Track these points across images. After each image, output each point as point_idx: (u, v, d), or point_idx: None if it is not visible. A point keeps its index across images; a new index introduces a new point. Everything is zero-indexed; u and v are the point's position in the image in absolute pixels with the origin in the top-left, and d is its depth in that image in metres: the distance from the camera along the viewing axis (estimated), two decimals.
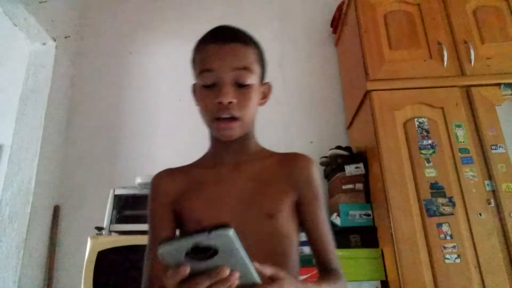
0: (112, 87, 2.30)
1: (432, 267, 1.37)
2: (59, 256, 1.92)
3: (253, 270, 0.47)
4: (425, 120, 1.60)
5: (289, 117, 2.16)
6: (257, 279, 0.47)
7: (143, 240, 1.50)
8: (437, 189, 1.47)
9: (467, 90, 1.64)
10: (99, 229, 1.60)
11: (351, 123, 2.01)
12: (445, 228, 1.41)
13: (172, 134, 2.15)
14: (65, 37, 2.28)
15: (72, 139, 2.19)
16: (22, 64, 2.16)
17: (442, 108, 1.61)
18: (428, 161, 1.52)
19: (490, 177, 1.49)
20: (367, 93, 1.68)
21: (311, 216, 0.77)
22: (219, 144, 0.80)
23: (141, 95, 2.27)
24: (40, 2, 2.05)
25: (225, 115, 0.70)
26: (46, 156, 1.99)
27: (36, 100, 2.06)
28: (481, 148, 1.54)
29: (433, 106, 1.62)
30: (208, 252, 0.42)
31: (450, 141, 1.55)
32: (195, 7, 2.47)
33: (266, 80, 0.81)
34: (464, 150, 1.53)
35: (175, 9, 2.49)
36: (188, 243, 0.41)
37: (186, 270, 0.42)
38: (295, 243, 0.74)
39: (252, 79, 0.72)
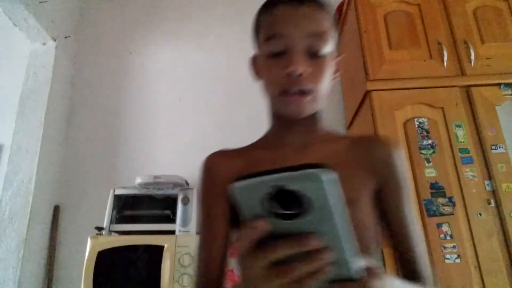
0: (112, 87, 2.30)
1: (432, 267, 1.36)
2: (59, 256, 1.92)
3: (353, 256, 0.34)
4: (425, 120, 1.60)
5: None
6: (354, 271, 0.34)
7: (143, 240, 1.51)
8: (437, 189, 1.47)
9: (467, 90, 1.64)
10: (99, 229, 1.60)
11: (351, 123, 2.01)
12: (445, 228, 1.41)
13: (172, 134, 2.15)
14: (65, 37, 2.28)
15: (72, 139, 2.19)
16: (22, 64, 2.16)
17: (442, 108, 1.61)
18: (428, 161, 1.52)
19: (490, 177, 1.49)
20: (367, 93, 1.68)
21: (394, 210, 0.65)
22: (282, 123, 0.69)
23: (141, 95, 2.27)
24: (40, 2, 2.05)
25: (295, 89, 0.60)
26: (46, 156, 1.99)
27: (36, 100, 2.06)
28: (481, 148, 1.54)
29: (433, 106, 1.62)
30: (294, 204, 0.32)
31: (450, 141, 1.55)
32: (195, 7, 2.47)
33: None
34: (464, 150, 1.53)
35: (175, 9, 2.49)
36: (269, 182, 0.31)
37: (264, 227, 0.33)
38: (376, 240, 0.63)
39: (328, 48, 0.62)
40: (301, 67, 0.58)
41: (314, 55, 0.61)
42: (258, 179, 0.31)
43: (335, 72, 0.69)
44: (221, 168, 0.68)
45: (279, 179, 0.31)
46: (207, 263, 0.63)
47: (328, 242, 0.33)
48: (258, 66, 0.70)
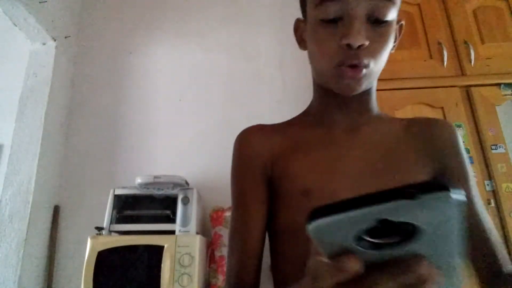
0: (112, 87, 2.30)
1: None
2: (59, 256, 1.92)
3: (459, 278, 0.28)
4: None
5: (289, 117, 2.15)
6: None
7: (143, 240, 1.51)
8: None
9: (467, 90, 1.64)
10: (99, 229, 1.60)
11: None
12: None
13: (172, 134, 2.15)
14: (65, 37, 2.28)
15: (72, 139, 2.19)
16: (22, 64, 2.16)
17: (442, 108, 1.61)
18: None
19: (490, 177, 1.49)
20: None
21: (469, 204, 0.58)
22: (331, 99, 0.62)
23: (141, 95, 2.27)
24: (40, 2, 2.05)
25: (352, 62, 0.52)
26: (46, 156, 1.99)
27: (36, 100, 2.06)
28: (481, 148, 1.54)
29: (433, 106, 1.62)
30: (397, 234, 0.24)
31: None
32: (195, 7, 2.47)
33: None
34: None
35: (175, 9, 2.49)
36: (367, 215, 0.23)
37: (356, 267, 0.25)
38: None
39: (393, 14, 0.53)
40: (362, 37, 0.50)
41: (376, 22, 0.52)
42: (347, 214, 0.23)
43: (395, 41, 0.61)
44: (257, 145, 0.61)
45: (382, 211, 0.22)
46: (246, 245, 0.57)
47: (437, 265, 0.25)
48: (305, 33, 0.62)
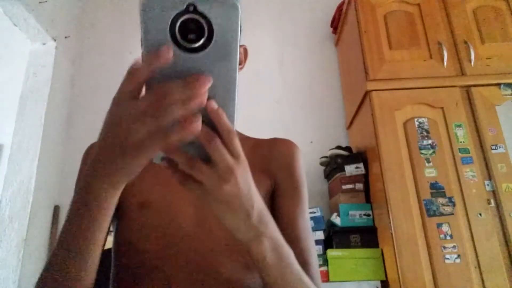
0: (112, 87, 2.28)
1: (432, 267, 1.37)
2: None
3: (234, 107, 0.35)
4: (425, 120, 1.60)
5: (289, 117, 2.15)
6: (231, 120, 0.36)
7: None
8: (437, 189, 1.47)
9: (467, 90, 1.64)
10: None
11: (351, 123, 2.01)
12: (445, 228, 1.41)
13: None
14: (65, 37, 2.28)
15: (72, 139, 2.19)
16: (22, 64, 2.16)
17: (442, 108, 1.61)
18: (428, 161, 1.52)
19: (490, 177, 1.49)
20: (367, 93, 1.68)
21: (286, 213, 0.63)
22: None
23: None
24: (40, 2, 2.04)
25: None
26: (46, 156, 1.99)
27: (36, 100, 2.06)
28: (481, 148, 1.54)
29: (433, 106, 1.62)
30: (198, 35, 0.31)
31: (450, 141, 1.55)
32: None
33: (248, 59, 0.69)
34: (464, 150, 1.53)
35: None
36: (177, 5, 0.31)
37: (168, 53, 0.31)
38: None
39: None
40: None
41: None
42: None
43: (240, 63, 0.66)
44: None
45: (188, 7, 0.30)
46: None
47: (216, 87, 0.33)
48: None
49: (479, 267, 1.36)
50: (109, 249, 0.65)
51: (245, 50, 0.70)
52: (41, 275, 0.50)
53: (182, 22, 0.31)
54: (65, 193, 2.06)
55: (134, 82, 0.34)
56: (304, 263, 0.58)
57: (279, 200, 0.64)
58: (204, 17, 0.31)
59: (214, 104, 0.35)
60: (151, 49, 0.32)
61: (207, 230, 0.60)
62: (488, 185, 1.48)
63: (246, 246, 0.45)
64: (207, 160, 0.37)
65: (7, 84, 2.29)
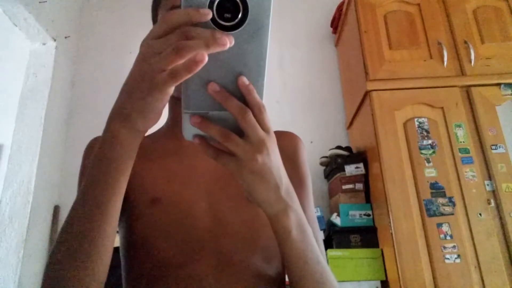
0: (112, 87, 2.29)
1: (432, 267, 1.37)
2: None
3: (263, 83, 0.38)
4: (425, 120, 1.60)
5: (289, 117, 2.15)
6: (260, 96, 0.38)
7: None
8: (437, 189, 1.47)
9: (467, 90, 1.64)
10: None
11: (351, 123, 2.01)
12: (445, 228, 1.41)
13: None
14: (65, 37, 2.28)
15: (72, 139, 2.19)
16: (22, 64, 2.16)
17: (442, 108, 1.61)
18: (428, 161, 1.52)
19: (490, 177, 1.49)
20: (367, 93, 1.68)
21: None
22: (178, 107, 0.61)
23: None
24: (40, 2, 2.04)
25: None
26: (46, 156, 1.99)
27: (36, 100, 2.06)
28: (481, 148, 1.54)
29: (433, 106, 1.62)
30: (233, 14, 0.34)
31: (450, 141, 1.55)
32: None
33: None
34: (464, 150, 1.53)
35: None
36: None
37: (207, 15, 0.33)
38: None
39: None
40: None
41: None
42: None
43: None
44: None
45: None
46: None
47: (248, 64, 0.35)
48: None
49: (479, 267, 1.36)
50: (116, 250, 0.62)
51: None
52: (61, 234, 0.45)
53: (219, 2, 0.33)
54: (65, 193, 2.06)
55: (166, 25, 0.35)
56: None
57: None
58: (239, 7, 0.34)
59: (245, 80, 0.37)
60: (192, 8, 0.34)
61: (224, 225, 0.59)
62: (488, 185, 1.48)
63: (273, 220, 0.46)
64: (239, 134, 0.39)
65: (7, 84, 2.29)
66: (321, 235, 0.64)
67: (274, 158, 0.42)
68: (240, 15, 0.34)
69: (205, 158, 0.57)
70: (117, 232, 0.59)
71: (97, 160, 0.45)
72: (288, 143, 0.67)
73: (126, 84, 0.41)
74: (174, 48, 0.33)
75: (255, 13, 0.33)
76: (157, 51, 0.35)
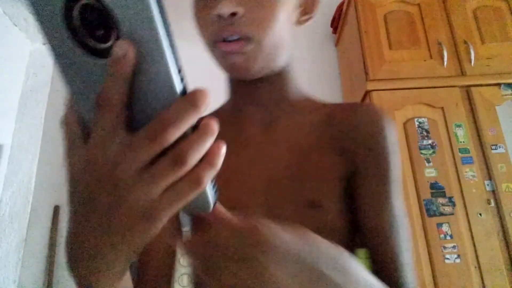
0: None
1: (432, 267, 1.37)
2: (59, 256, 1.92)
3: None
4: (425, 120, 1.60)
5: None
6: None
7: None
8: (437, 189, 1.47)
9: (467, 90, 1.64)
10: None
11: None
12: (445, 228, 1.41)
13: None
14: None
15: None
16: (22, 64, 2.16)
17: (442, 108, 1.61)
18: (428, 161, 1.52)
19: (490, 177, 1.49)
20: (367, 93, 1.68)
21: (370, 201, 0.47)
22: (240, 89, 0.53)
23: None
24: None
25: (225, 34, 0.44)
26: (46, 156, 1.99)
27: (36, 100, 2.06)
28: (481, 148, 1.54)
29: (433, 106, 1.62)
30: (105, 31, 0.22)
31: (450, 141, 1.55)
32: None
33: None
34: (464, 150, 1.53)
35: (175, 8, 2.48)
36: None
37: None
38: (348, 245, 0.47)
39: None
40: (231, 4, 0.41)
41: None
42: None
43: (303, 13, 0.52)
44: None
45: None
46: None
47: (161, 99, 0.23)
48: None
49: (479, 267, 1.36)
50: None
51: None
52: None
53: (80, 12, 0.21)
54: (65, 193, 2.06)
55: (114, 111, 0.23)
56: (398, 274, 0.45)
57: (360, 187, 0.48)
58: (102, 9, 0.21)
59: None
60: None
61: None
62: (488, 185, 1.48)
63: None
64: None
65: (7, 84, 2.29)
66: (407, 248, 0.47)
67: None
68: (115, 32, 0.22)
69: (268, 148, 0.49)
70: None
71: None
72: (366, 122, 0.49)
73: (84, 219, 0.26)
74: (174, 159, 0.23)
75: (133, 27, 0.21)
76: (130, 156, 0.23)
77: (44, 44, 2.16)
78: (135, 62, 0.22)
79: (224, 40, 0.44)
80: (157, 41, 0.22)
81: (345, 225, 0.48)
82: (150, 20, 0.21)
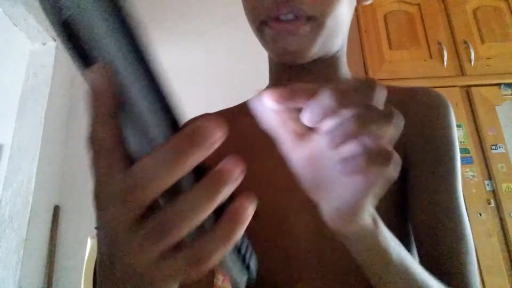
0: None
1: None
2: (59, 256, 1.92)
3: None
4: None
5: None
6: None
7: None
8: None
9: (467, 90, 1.64)
10: None
11: None
12: None
13: None
14: None
15: (72, 139, 2.19)
16: (22, 64, 2.16)
17: None
18: None
19: (490, 177, 1.49)
20: None
21: (427, 196, 0.42)
22: (284, 75, 0.47)
23: None
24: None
25: (286, 13, 0.38)
26: (46, 156, 1.99)
27: (36, 100, 2.06)
28: (481, 148, 1.54)
29: None
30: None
31: None
32: (195, 6, 2.47)
33: None
34: (464, 150, 1.53)
35: (175, 8, 2.49)
36: None
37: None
38: (412, 248, 0.43)
39: None
40: None
41: None
42: None
43: None
44: None
45: None
46: None
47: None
48: None
49: (479, 267, 1.36)
50: None
51: None
52: None
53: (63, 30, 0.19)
54: (65, 193, 2.06)
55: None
56: (461, 273, 0.42)
57: (416, 181, 0.42)
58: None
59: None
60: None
61: (329, 241, 0.43)
62: (488, 185, 1.48)
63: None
64: None
65: (7, 84, 2.29)
66: (469, 241, 0.48)
67: None
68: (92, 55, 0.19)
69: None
70: None
71: None
72: (424, 106, 0.44)
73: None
74: (189, 259, 0.19)
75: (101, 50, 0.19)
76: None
77: (44, 44, 2.16)
78: (112, 94, 0.19)
79: (278, 19, 0.39)
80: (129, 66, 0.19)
81: (403, 231, 0.43)
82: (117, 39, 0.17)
